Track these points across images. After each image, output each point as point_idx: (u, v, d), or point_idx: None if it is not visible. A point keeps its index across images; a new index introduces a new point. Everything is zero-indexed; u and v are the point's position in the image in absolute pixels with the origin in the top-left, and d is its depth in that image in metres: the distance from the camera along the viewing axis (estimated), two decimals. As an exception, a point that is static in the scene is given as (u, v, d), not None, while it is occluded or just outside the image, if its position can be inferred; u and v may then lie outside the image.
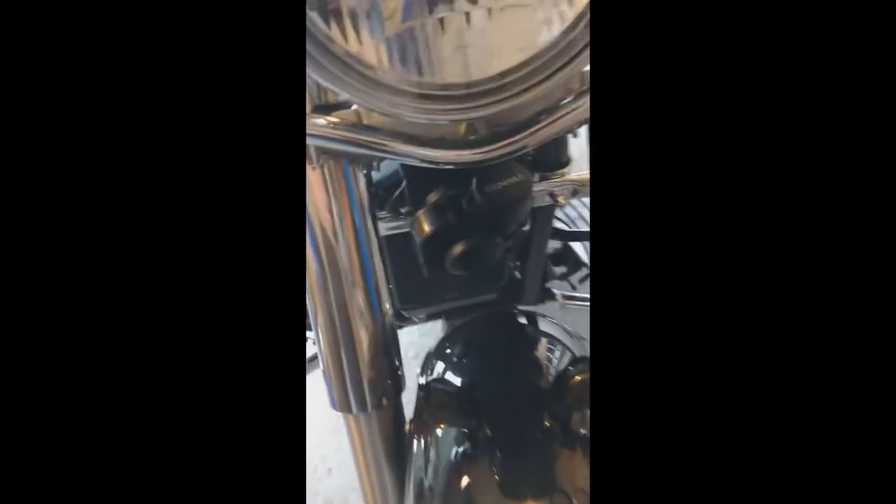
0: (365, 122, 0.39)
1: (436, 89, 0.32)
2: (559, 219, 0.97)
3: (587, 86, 0.36)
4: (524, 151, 0.38)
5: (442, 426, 0.48)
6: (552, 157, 0.65)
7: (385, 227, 0.63)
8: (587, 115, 0.37)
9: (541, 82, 0.32)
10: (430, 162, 0.39)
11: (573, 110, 0.37)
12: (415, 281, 0.78)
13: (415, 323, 0.95)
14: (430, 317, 0.93)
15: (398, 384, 0.51)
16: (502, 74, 0.31)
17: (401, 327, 0.95)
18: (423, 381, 0.54)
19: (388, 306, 0.49)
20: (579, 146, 0.68)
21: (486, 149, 0.37)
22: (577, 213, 0.98)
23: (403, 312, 0.87)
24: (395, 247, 0.72)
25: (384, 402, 0.49)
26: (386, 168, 0.64)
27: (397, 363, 0.50)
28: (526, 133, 0.37)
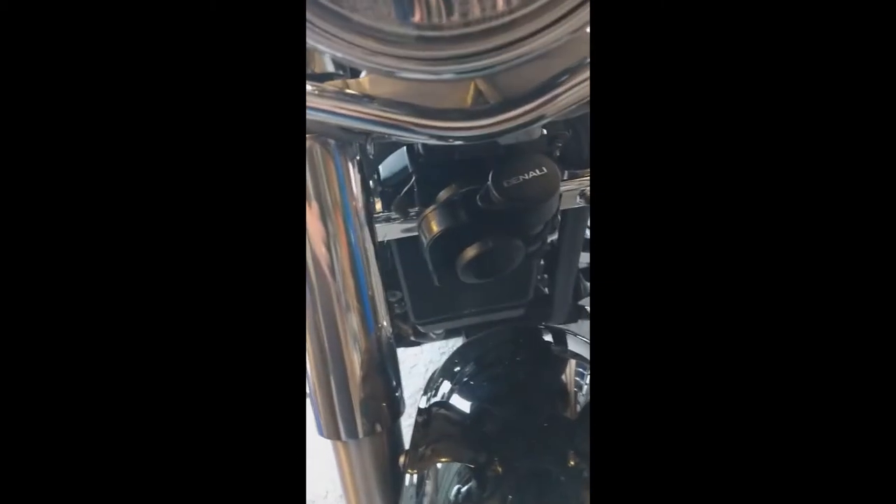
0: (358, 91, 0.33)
1: (433, 29, 0.26)
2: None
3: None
4: (544, 121, 0.31)
5: (442, 460, 0.40)
6: (584, 150, 0.57)
7: (399, 230, 0.57)
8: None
9: (555, 23, 0.25)
10: (435, 137, 0.33)
11: (603, 70, 0.29)
12: (430, 292, 0.71)
13: (433, 339, 0.88)
14: (450, 333, 0.86)
15: (396, 408, 0.43)
16: (510, 8, 0.25)
17: (417, 344, 0.89)
18: (423, 404, 0.46)
19: (385, 322, 0.43)
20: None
21: (498, 119, 0.31)
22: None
23: (420, 327, 0.81)
24: (408, 252, 0.65)
25: (378, 428, 0.42)
26: (394, 164, 0.57)
27: (395, 384, 0.43)
28: (543, 99, 0.30)
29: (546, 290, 0.80)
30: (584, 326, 0.83)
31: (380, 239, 0.58)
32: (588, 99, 0.30)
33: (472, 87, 0.33)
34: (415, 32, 0.27)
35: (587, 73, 0.30)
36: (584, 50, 0.30)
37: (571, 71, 0.30)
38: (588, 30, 0.27)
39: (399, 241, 0.62)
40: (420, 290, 0.71)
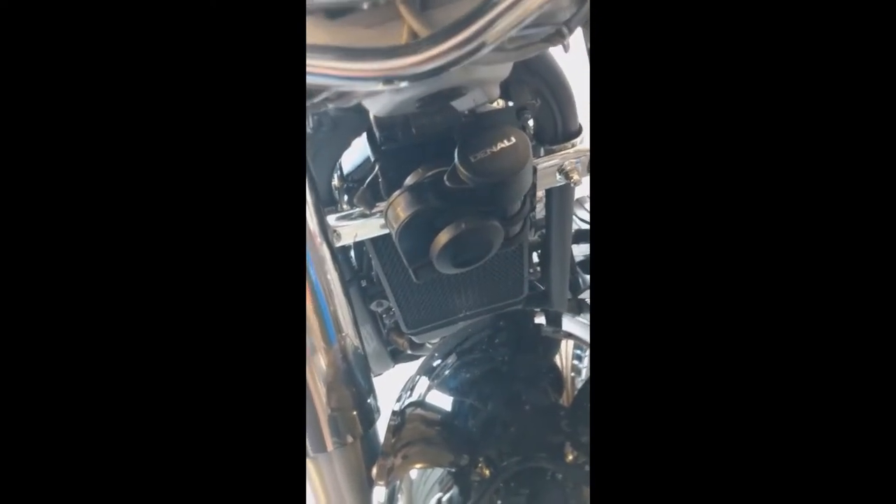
0: None
1: None
2: (583, 220, 0.84)
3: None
4: (483, 52, 0.27)
5: (417, 466, 0.35)
6: (557, 122, 0.53)
7: (377, 226, 0.53)
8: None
9: None
10: (378, 80, 0.29)
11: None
12: (419, 297, 0.66)
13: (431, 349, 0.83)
14: (447, 341, 0.81)
15: (368, 415, 0.39)
16: None
17: (415, 357, 0.83)
18: (398, 406, 0.41)
19: (349, 329, 0.39)
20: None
21: (438, 49, 0.27)
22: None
23: (414, 338, 0.76)
24: (389, 255, 0.61)
25: (349, 438, 0.37)
26: (356, 156, 0.54)
27: (366, 389, 0.39)
28: (480, 24, 0.26)
29: (541, 287, 0.75)
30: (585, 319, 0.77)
31: (355, 239, 0.54)
32: (528, 19, 0.26)
33: (404, 27, 0.29)
34: None
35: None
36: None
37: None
38: None
39: (377, 241, 0.58)
40: (408, 297, 0.66)
